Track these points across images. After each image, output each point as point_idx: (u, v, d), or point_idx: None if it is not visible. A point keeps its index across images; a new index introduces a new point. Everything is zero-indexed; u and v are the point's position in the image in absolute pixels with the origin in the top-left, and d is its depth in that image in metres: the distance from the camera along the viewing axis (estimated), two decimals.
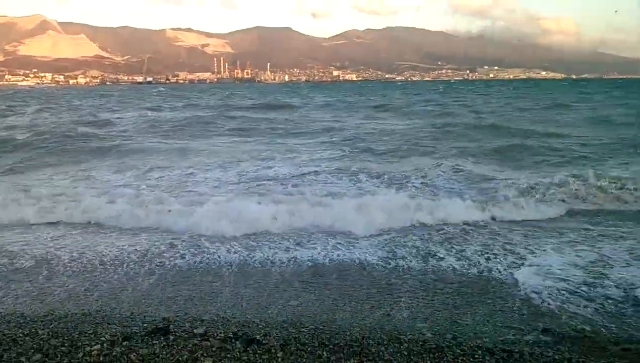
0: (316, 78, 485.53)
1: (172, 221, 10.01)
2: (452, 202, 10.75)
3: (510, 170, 15.17)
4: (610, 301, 6.40)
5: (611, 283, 6.91)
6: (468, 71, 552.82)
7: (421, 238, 9.09)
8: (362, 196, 11.67)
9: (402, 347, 5.27)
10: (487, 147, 19.16)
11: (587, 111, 38.19)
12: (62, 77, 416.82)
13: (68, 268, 7.89)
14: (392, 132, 26.13)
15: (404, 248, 8.62)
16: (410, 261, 8.02)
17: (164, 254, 8.49)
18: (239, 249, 8.69)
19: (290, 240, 9.14)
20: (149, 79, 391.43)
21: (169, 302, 6.69)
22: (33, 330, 5.55)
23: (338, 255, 8.33)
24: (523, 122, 29.88)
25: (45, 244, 9.05)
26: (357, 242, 8.97)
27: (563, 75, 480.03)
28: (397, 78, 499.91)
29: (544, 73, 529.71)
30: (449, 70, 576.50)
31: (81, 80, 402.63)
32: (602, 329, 5.71)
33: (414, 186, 12.87)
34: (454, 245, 8.70)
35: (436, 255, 8.25)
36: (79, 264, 8.05)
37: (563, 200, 11.14)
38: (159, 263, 8.08)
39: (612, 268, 7.46)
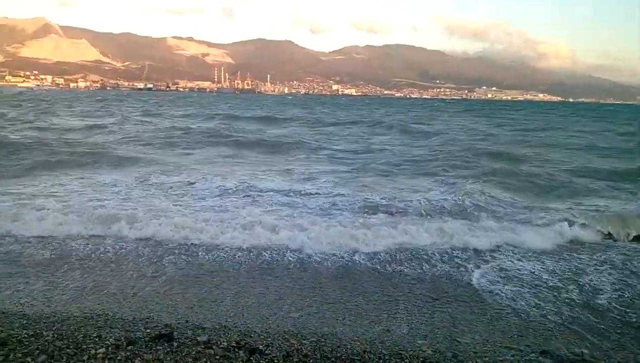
0: (315, 91, 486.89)
1: (170, 230, 10.02)
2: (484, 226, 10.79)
3: (528, 197, 14.73)
4: (599, 320, 6.48)
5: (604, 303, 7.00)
6: (467, 91, 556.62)
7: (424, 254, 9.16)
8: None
9: (403, 362, 5.32)
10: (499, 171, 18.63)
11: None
12: (62, 80, 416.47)
13: (70, 272, 7.92)
14: (390, 151, 26.27)
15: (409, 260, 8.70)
16: (407, 268, 8.09)
17: (163, 262, 8.53)
18: (239, 260, 8.76)
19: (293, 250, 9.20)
20: (149, 85, 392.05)
21: (170, 308, 6.71)
22: (38, 332, 5.57)
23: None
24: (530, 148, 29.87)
25: (51, 246, 9.09)
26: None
27: (560, 99, 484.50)
28: (396, 94, 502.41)
29: (541, 95, 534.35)
30: (447, 89, 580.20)
31: (81, 84, 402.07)
32: (597, 352, 5.77)
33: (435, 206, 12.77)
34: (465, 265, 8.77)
35: (434, 265, 8.32)
36: (82, 268, 8.09)
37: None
38: (158, 271, 8.12)
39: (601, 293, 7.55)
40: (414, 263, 8.72)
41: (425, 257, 9.07)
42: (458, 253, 9.27)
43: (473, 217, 11.70)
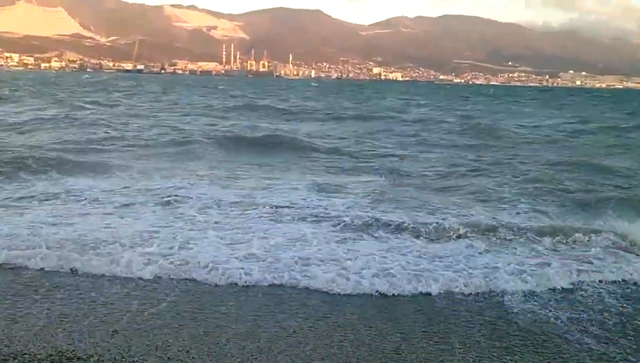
0: (351, 75, 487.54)
1: (161, 252, 10.17)
2: None
3: None
4: None
5: None
6: (547, 76, 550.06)
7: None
8: None
9: None
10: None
11: None
12: (32, 59, 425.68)
13: (36, 304, 8.09)
14: (443, 155, 26.15)
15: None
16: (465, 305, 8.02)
17: (151, 293, 8.66)
18: (248, 291, 8.83)
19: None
20: (140, 66, 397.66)
21: (159, 351, 6.76)
22: None
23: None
24: None
25: (13, 275, 9.33)
26: None
27: None
28: (455, 80, 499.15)
29: None
30: (523, 74, 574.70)
31: (55, 64, 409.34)
32: None
33: None
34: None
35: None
36: (50, 300, 8.26)
37: None
38: (145, 304, 8.23)
39: None
40: (473, 302, 8.66)
41: (492, 294, 8.99)
42: (535, 293, 9.13)
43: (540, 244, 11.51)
